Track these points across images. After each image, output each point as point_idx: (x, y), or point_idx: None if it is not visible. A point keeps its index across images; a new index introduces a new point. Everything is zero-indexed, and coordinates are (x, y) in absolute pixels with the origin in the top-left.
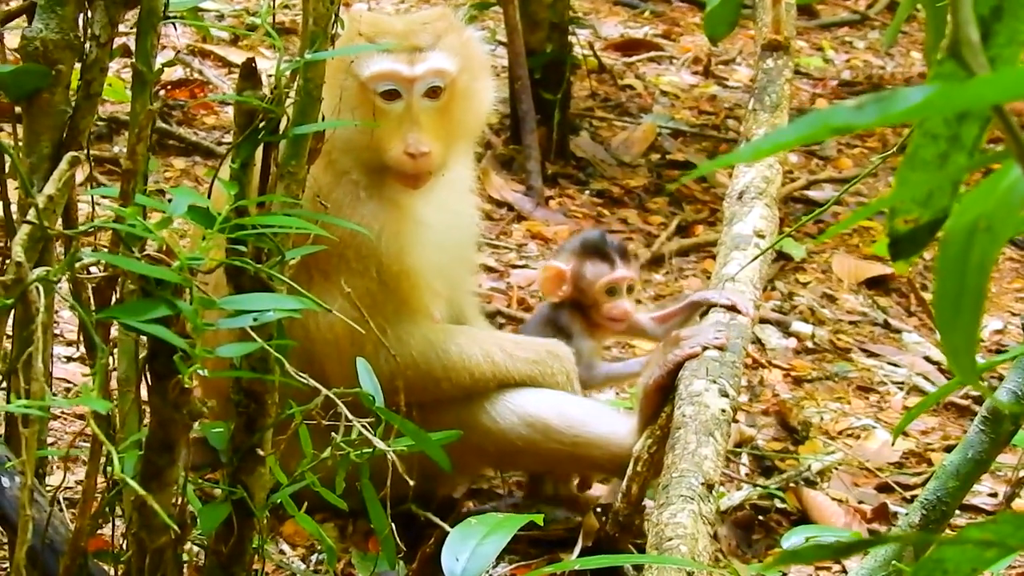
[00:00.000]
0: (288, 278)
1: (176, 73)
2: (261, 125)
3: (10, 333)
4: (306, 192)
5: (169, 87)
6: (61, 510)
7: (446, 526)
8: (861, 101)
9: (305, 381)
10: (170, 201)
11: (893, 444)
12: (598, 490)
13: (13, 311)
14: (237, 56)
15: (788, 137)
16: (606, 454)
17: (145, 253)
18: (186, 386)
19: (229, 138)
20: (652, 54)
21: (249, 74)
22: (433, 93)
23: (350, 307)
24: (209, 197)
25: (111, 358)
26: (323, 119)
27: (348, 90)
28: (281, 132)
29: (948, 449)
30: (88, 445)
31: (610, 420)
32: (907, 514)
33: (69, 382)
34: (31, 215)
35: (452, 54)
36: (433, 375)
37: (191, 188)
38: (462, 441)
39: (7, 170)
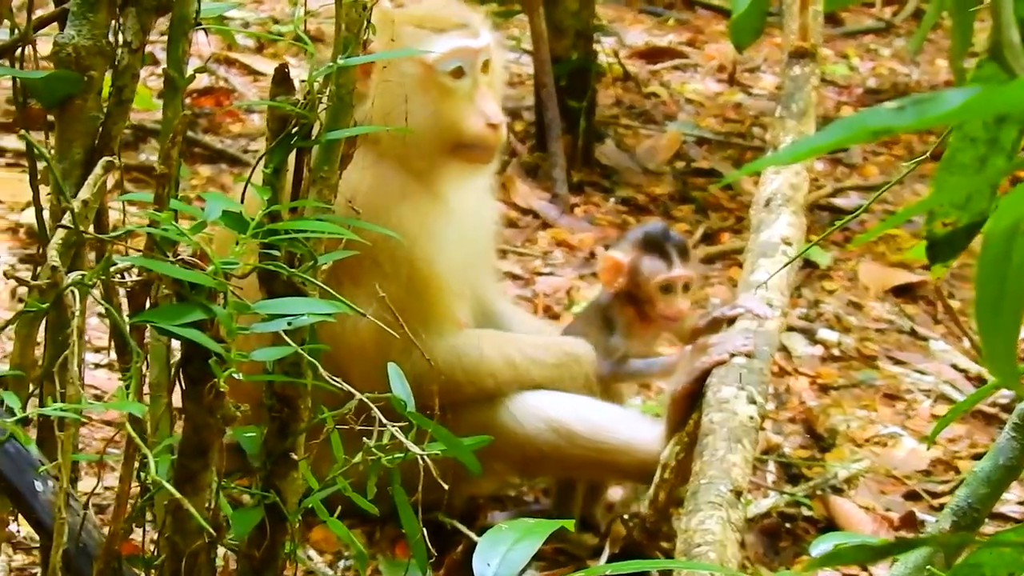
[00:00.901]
0: (320, 283)
1: (202, 81)
2: (294, 131)
3: (41, 337)
4: (346, 193)
5: (195, 95)
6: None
7: (473, 535)
8: (901, 103)
9: (339, 385)
10: (203, 207)
11: (928, 448)
12: (615, 492)
13: (46, 315)
14: (262, 64)
15: (828, 139)
16: (632, 460)
17: (179, 258)
18: (220, 390)
19: (255, 146)
20: (677, 62)
21: (282, 80)
22: (485, 67)
23: (379, 312)
24: (242, 202)
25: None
26: (354, 124)
27: (410, 79)
28: (313, 137)
29: (976, 457)
30: (118, 452)
31: (636, 426)
32: (937, 521)
33: (98, 388)
34: (66, 220)
35: (488, 28)
36: (455, 379)
37: (220, 193)
38: (487, 447)
39: (39, 176)
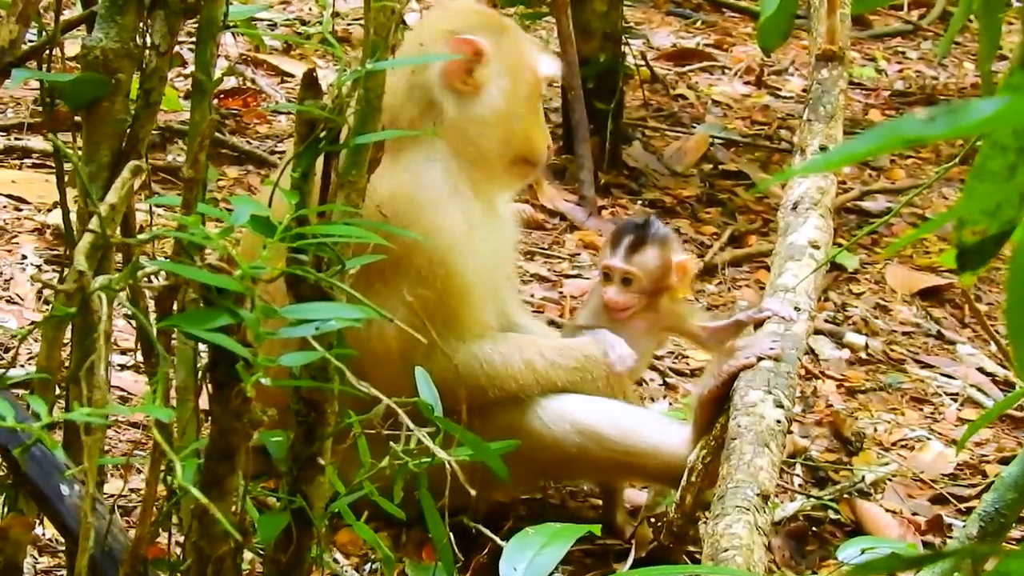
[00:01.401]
0: (348, 286)
1: (229, 82)
2: (322, 135)
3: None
4: (390, 188)
5: (222, 96)
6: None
7: (500, 540)
8: (932, 113)
9: (366, 390)
10: (231, 210)
11: (957, 453)
12: (639, 496)
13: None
14: (289, 65)
15: (860, 148)
16: (659, 464)
17: (207, 263)
18: (248, 395)
19: (282, 147)
20: (704, 64)
21: (310, 84)
22: None
23: (407, 315)
24: (269, 206)
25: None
26: (382, 128)
27: (524, 87)
28: (342, 141)
29: (1003, 461)
30: (144, 454)
31: (663, 429)
32: (964, 526)
33: (123, 390)
34: (93, 224)
35: None
36: (479, 383)
37: (247, 197)
38: (514, 449)
39: (66, 178)
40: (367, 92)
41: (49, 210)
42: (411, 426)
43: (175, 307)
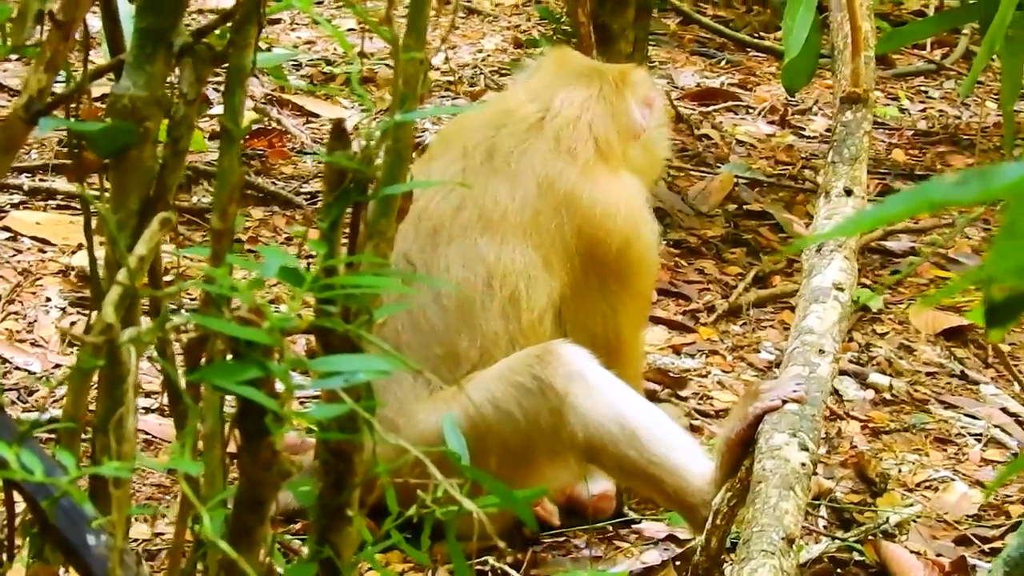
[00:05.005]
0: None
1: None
2: (351, 186)
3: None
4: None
5: (247, 136)
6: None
7: None
8: (963, 176)
9: (394, 441)
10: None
11: (987, 498)
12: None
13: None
14: (314, 105)
15: (889, 212)
16: (676, 486)
17: (236, 314)
18: (277, 448)
19: (307, 188)
20: (729, 104)
21: (339, 134)
22: None
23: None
24: (299, 256)
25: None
26: (411, 179)
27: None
28: (370, 192)
29: None
30: (168, 497)
31: (692, 455)
32: (990, 572)
33: (148, 433)
34: (122, 275)
35: None
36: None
37: (271, 242)
38: (560, 418)
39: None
40: (396, 142)
41: (73, 252)
42: (440, 477)
43: (204, 357)
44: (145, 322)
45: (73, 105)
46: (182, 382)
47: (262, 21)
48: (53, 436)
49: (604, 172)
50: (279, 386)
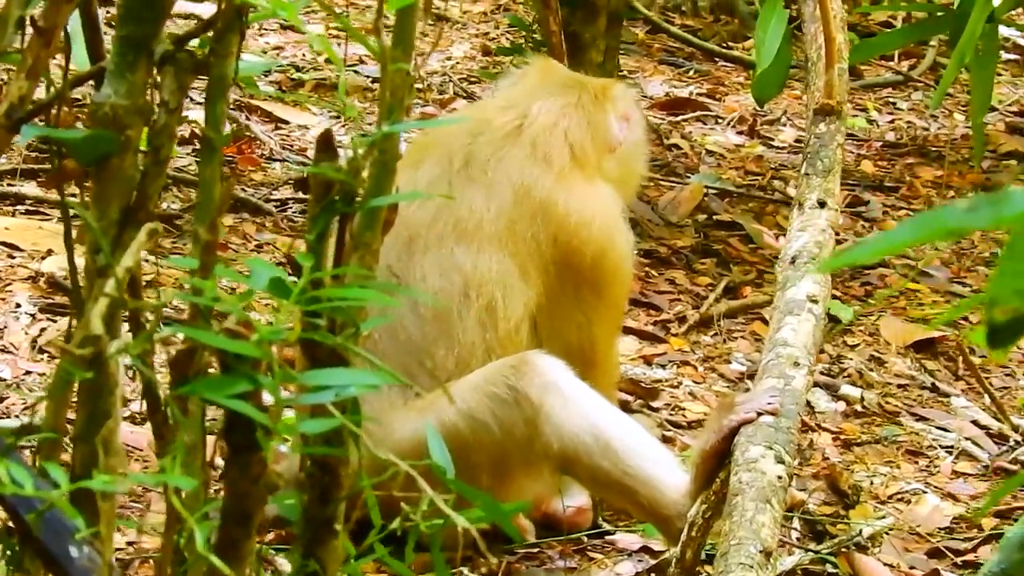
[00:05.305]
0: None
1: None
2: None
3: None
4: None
5: None
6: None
7: None
8: (973, 203)
9: (384, 456)
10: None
11: (979, 518)
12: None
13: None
14: (283, 111)
15: (902, 238)
16: (649, 497)
17: (224, 327)
18: (268, 462)
19: (277, 195)
20: (698, 113)
21: (326, 146)
22: None
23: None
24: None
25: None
26: (397, 191)
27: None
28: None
29: (999, 515)
30: (135, 505)
31: (666, 467)
32: None
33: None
34: (110, 287)
35: None
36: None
37: (241, 248)
38: (535, 429)
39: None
40: (382, 154)
41: (43, 258)
42: (428, 491)
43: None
44: (124, 330)
45: (54, 111)
46: (171, 396)
47: (244, 30)
48: (27, 445)
49: (579, 180)
50: (266, 398)
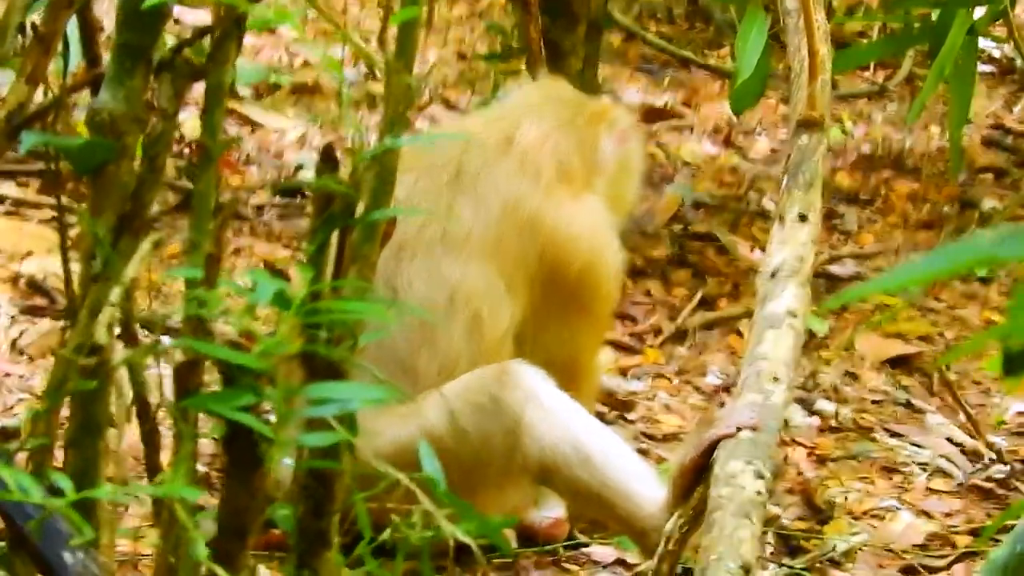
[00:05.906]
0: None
1: (198, 131)
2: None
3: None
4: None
5: (191, 146)
6: None
7: None
8: (1000, 234)
9: (383, 469)
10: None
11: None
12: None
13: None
14: (259, 114)
15: (933, 268)
16: (626, 509)
17: (227, 339)
18: (271, 476)
19: (255, 199)
20: (673, 123)
21: (328, 158)
22: None
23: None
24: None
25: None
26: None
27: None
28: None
29: (972, 532)
30: (118, 509)
31: (645, 482)
32: None
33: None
34: (114, 297)
35: None
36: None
37: (227, 256)
38: (515, 439)
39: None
40: (382, 168)
41: (23, 259)
42: (428, 504)
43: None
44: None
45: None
46: (175, 407)
47: (242, 37)
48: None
49: (567, 195)
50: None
